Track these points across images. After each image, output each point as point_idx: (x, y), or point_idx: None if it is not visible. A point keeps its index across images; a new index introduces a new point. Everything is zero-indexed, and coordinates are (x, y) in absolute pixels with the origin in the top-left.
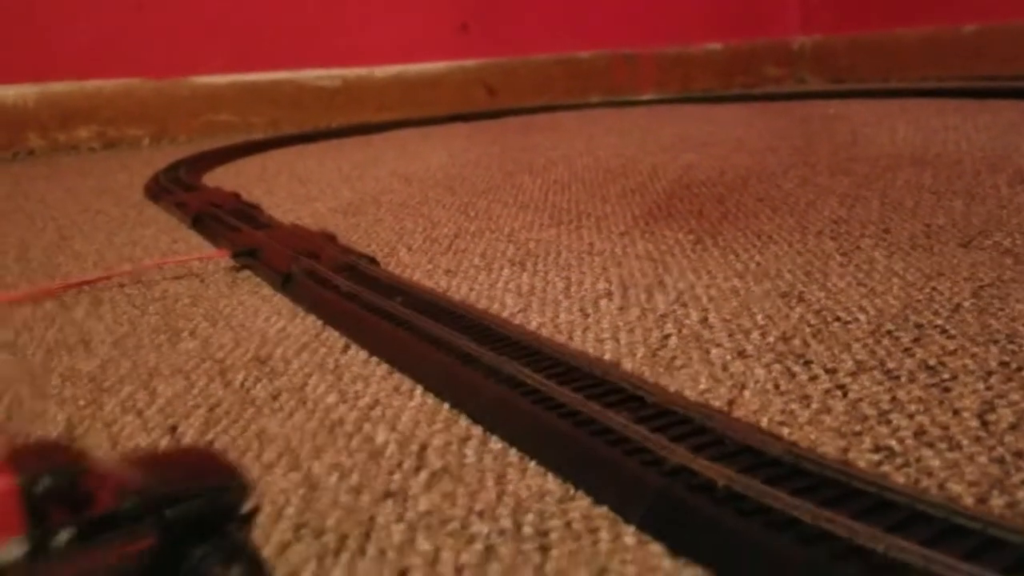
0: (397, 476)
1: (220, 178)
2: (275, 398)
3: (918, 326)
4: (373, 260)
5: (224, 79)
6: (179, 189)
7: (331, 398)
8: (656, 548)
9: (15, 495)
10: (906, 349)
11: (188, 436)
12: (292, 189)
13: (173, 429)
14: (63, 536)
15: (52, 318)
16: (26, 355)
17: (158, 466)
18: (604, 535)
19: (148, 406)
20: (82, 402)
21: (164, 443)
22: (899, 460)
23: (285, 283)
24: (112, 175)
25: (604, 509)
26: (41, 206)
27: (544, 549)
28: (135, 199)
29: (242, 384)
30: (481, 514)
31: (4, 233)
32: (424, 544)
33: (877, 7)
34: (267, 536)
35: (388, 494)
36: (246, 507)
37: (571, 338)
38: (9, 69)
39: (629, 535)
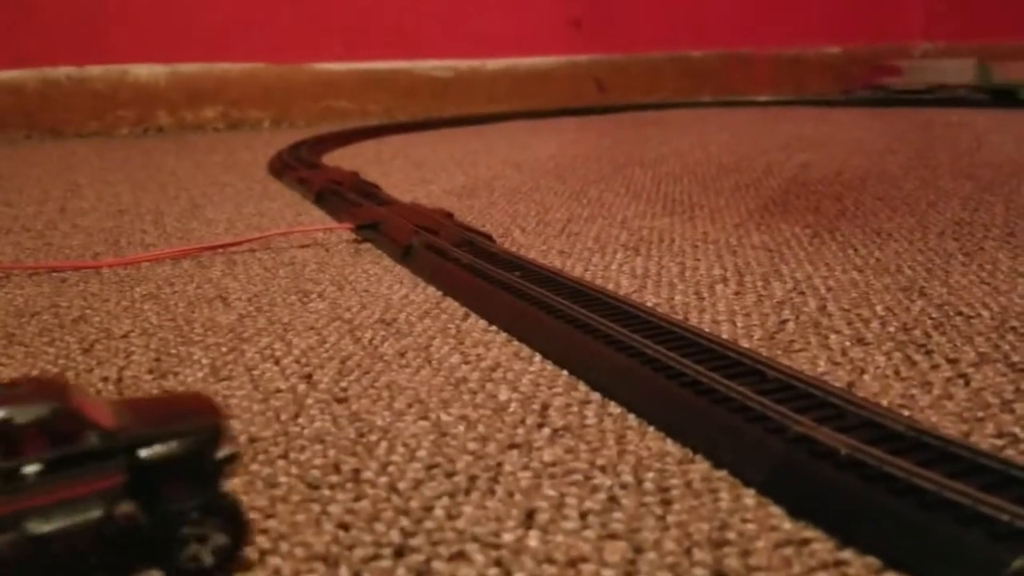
0: (521, 430)
1: (338, 160)
2: (402, 355)
3: None
4: (490, 237)
5: (342, 67)
6: (301, 167)
7: (454, 359)
8: (776, 510)
9: None
10: None
11: (323, 384)
12: (407, 172)
13: (308, 376)
14: (32, 468)
15: (191, 276)
16: (169, 306)
17: (144, 409)
18: (724, 495)
19: (285, 356)
20: (224, 349)
21: (301, 389)
22: (1023, 446)
23: (406, 255)
24: (237, 153)
25: (724, 473)
26: (173, 178)
27: (666, 503)
28: (259, 175)
29: (370, 341)
30: (603, 468)
31: (140, 201)
32: (549, 490)
33: (1006, 14)
34: (402, 473)
35: (513, 445)
36: (221, 453)
37: (687, 318)
38: (143, 48)
39: (749, 497)
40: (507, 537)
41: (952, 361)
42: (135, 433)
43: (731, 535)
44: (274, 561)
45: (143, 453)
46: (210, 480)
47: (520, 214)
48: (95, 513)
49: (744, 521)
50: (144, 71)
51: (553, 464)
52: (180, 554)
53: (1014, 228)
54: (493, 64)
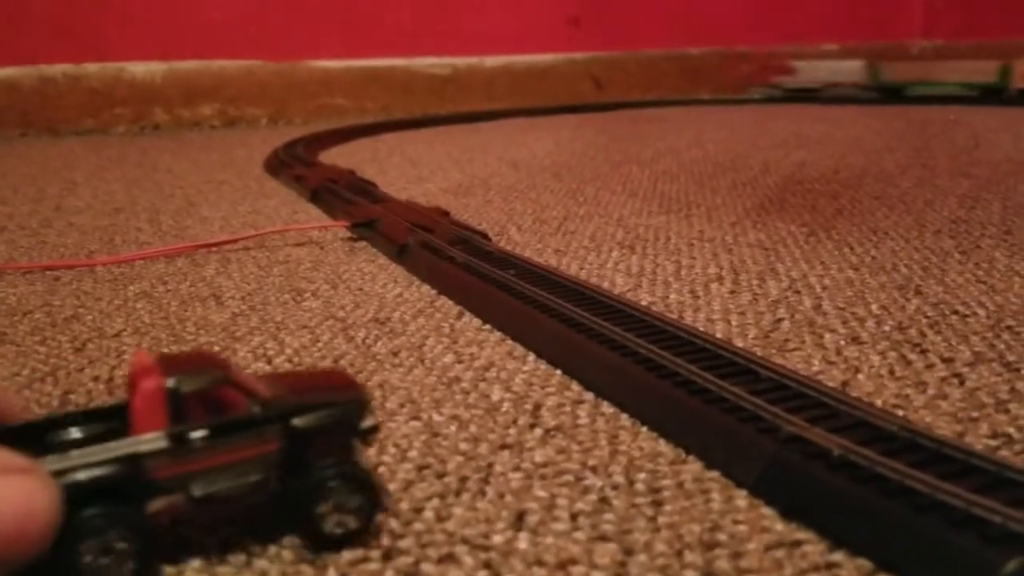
0: (512, 431)
1: (335, 157)
2: (395, 355)
3: None
4: (485, 235)
5: (339, 64)
6: (297, 165)
7: (448, 358)
8: (768, 511)
9: (161, 394)
10: None
11: None
12: (404, 170)
13: None
14: (198, 434)
15: (185, 274)
16: (162, 304)
17: (291, 381)
18: (716, 496)
19: (277, 355)
20: (216, 348)
21: None
22: (1017, 447)
23: (401, 253)
24: (233, 150)
25: (716, 474)
26: (169, 176)
27: (657, 504)
28: (256, 173)
29: (363, 341)
30: (595, 469)
31: (135, 199)
32: (540, 491)
33: (1003, 13)
34: (392, 474)
35: (504, 446)
36: (366, 423)
37: (682, 317)
38: (139, 46)
39: (741, 498)
40: (497, 539)
41: (947, 360)
42: (289, 403)
43: (722, 537)
44: (260, 564)
45: (296, 422)
46: (353, 449)
47: (516, 212)
48: (253, 477)
49: (736, 522)
50: (140, 69)
51: (544, 465)
52: (322, 517)
53: (1011, 226)
54: (491, 61)
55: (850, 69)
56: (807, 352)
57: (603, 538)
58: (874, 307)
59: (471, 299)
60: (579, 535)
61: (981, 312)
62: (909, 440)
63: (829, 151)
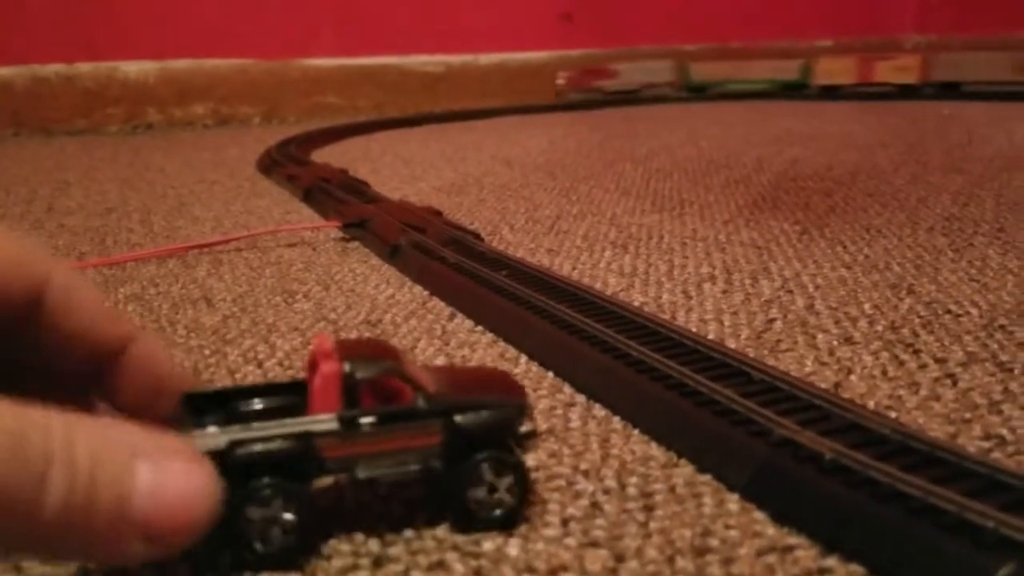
0: None
1: (327, 156)
2: None
3: None
4: (478, 236)
5: (332, 62)
6: (290, 164)
7: (439, 361)
8: (759, 515)
9: (338, 378)
10: (1020, 343)
11: None
12: (397, 169)
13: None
14: (368, 419)
15: (176, 276)
16: (153, 307)
17: (457, 378)
18: (708, 500)
19: (268, 358)
20: (207, 352)
21: None
22: (1011, 448)
23: (393, 253)
24: (226, 149)
25: (708, 477)
26: (161, 175)
27: (648, 509)
28: (248, 172)
29: None
30: (586, 473)
31: (127, 199)
32: (531, 496)
33: (998, 8)
34: None
35: None
36: (524, 427)
37: (674, 317)
38: (132, 46)
39: (733, 502)
40: (487, 546)
41: (940, 361)
42: (453, 400)
43: (714, 542)
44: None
45: (458, 418)
46: (512, 449)
47: (509, 211)
48: (413, 466)
49: (727, 527)
50: (133, 68)
51: (536, 469)
52: (475, 511)
53: (1004, 224)
54: (485, 59)
55: (661, 70)
56: (800, 353)
57: (594, 544)
58: (867, 306)
59: (463, 300)
60: (570, 541)
61: (974, 311)
62: (901, 443)
63: (822, 147)
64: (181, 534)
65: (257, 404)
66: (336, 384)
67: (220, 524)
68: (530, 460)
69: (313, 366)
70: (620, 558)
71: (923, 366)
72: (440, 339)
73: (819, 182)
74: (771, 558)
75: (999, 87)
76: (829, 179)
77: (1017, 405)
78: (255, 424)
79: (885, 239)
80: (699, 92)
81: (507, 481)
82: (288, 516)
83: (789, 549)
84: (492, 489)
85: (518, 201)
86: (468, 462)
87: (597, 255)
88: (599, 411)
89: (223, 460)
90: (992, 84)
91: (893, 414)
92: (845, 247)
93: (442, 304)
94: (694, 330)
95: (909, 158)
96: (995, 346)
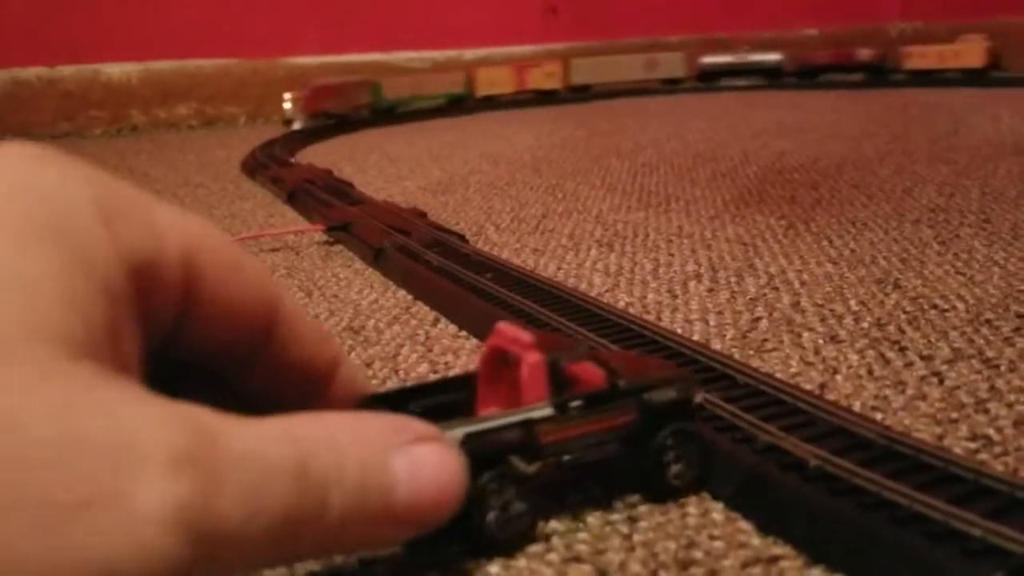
0: None
1: (312, 156)
2: (369, 365)
3: (1020, 316)
4: (462, 237)
5: (316, 60)
6: (275, 165)
7: (422, 367)
8: (745, 525)
9: (544, 367)
10: (1006, 338)
11: None
12: (382, 168)
13: None
14: (576, 403)
15: None
16: None
17: (631, 361)
18: (692, 510)
19: None
20: None
21: None
22: (997, 449)
23: (377, 257)
24: (211, 151)
25: None
26: (145, 179)
27: (632, 520)
28: (233, 174)
29: None
30: (573, 484)
31: None
32: None
33: None
34: None
35: None
36: (697, 397)
37: (659, 318)
38: (114, 47)
39: (717, 511)
40: (468, 564)
41: (926, 358)
42: (646, 379)
43: (698, 554)
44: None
45: (648, 397)
46: (689, 420)
47: (495, 210)
48: (613, 445)
49: (712, 538)
50: (116, 70)
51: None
52: (665, 477)
53: (989, 214)
54: (470, 54)
55: (359, 93)
56: (785, 352)
57: (577, 559)
58: (852, 303)
59: (447, 305)
60: (552, 556)
61: (960, 305)
62: (887, 448)
63: (808, 139)
64: (437, 515)
65: (429, 403)
66: (543, 372)
67: (459, 518)
68: None
69: (495, 358)
70: (603, 573)
71: (909, 364)
72: (423, 345)
73: (805, 174)
74: (756, 570)
75: (631, 85)
76: (815, 171)
77: (1004, 403)
78: (476, 419)
79: (871, 232)
80: (388, 113)
81: (692, 451)
82: (520, 503)
83: (774, 560)
84: (679, 459)
85: (504, 200)
86: (659, 437)
87: (583, 254)
88: None
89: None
90: (623, 84)
91: (879, 415)
92: (831, 241)
93: (426, 309)
94: (679, 331)
95: (895, 148)
96: (981, 341)
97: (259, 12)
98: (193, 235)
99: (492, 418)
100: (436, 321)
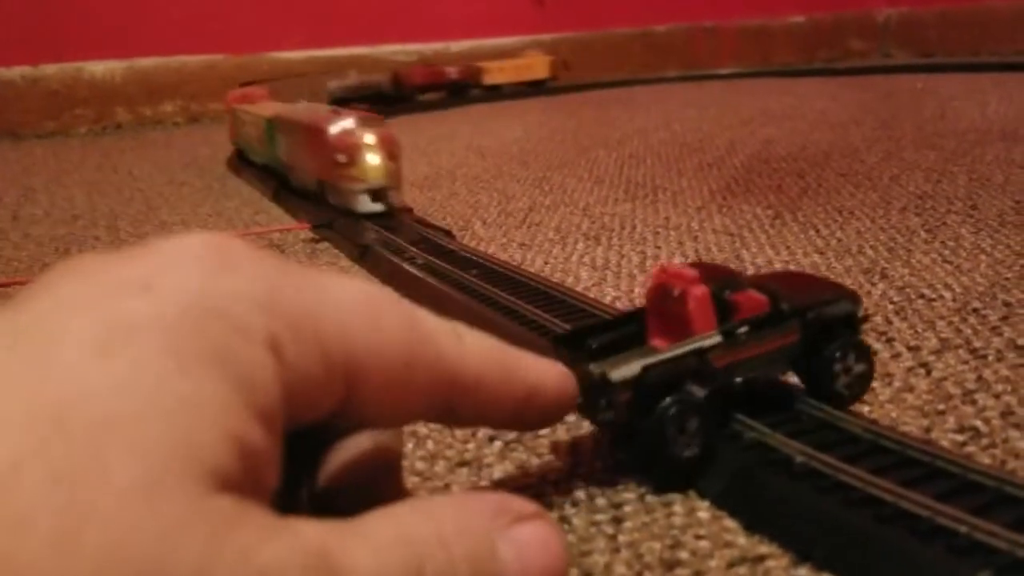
0: (471, 445)
1: None
2: None
3: (1006, 304)
4: (449, 233)
5: (302, 54)
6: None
7: None
8: (731, 523)
9: (709, 299)
10: (993, 328)
11: None
12: None
13: None
14: (742, 329)
15: None
16: None
17: (787, 282)
18: (678, 509)
19: None
20: None
21: None
22: (984, 441)
23: (362, 255)
24: (196, 148)
25: None
26: (129, 178)
27: (617, 521)
28: (219, 172)
29: None
30: (556, 484)
31: (95, 204)
32: None
33: None
34: None
35: (463, 463)
36: (860, 312)
37: None
38: (98, 45)
39: (703, 510)
40: None
41: (913, 349)
42: (807, 300)
43: (683, 555)
44: None
45: (810, 315)
46: (855, 330)
47: (482, 205)
48: (780, 365)
49: (697, 538)
50: (100, 68)
51: (503, 482)
52: (835, 383)
53: (976, 201)
54: (458, 46)
55: None
56: None
57: None
58: None
59: (432, 303)
60: None
61: (947, 295)
62: (873, 443)
63: (796, 127)
64: None
65: (606, 339)
66: (708, 303)
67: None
68: (498, 472)
69: (660, 293)
70: (588, 575)
71: (896, 355)
72: None
73: (792, 163)
74: (742, 569)
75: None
76: (802, 159)
77: (991, 394)
78: (649, 349)
79: (858, 221)
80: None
81: (860, 361)
82: (697, 426)
83: (760, 559)
84: (848, 371)
85: (491, 193)
86: (827, 351)
87: (570, 248)
88: (568, 418)
89: (636, 384)
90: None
91: (866, 408)
92: (818, 231)
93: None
94: None
95: (882, 135)
96: (968, 331)
97: (242, 7)
98: (358, 352)
99: (667, 350)
100: None
